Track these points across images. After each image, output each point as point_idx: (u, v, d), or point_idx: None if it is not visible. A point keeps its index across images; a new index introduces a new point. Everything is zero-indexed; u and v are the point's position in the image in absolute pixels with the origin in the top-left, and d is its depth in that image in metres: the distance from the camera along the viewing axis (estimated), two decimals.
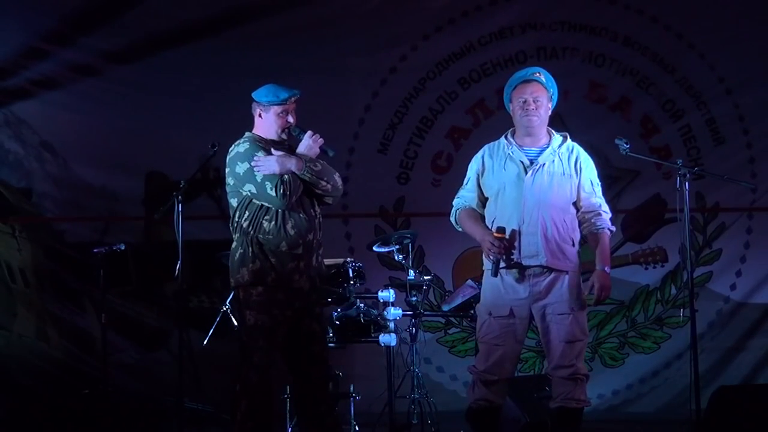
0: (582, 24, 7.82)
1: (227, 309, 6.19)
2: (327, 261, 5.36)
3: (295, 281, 4.93)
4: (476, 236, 4.98)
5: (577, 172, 4.98)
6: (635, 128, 7.75)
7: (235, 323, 6.05)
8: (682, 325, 7.48)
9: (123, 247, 6.46)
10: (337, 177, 5.07)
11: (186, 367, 5.61)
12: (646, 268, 7.78)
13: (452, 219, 5.16)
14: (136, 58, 7.71)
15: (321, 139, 5.00)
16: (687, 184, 5.17)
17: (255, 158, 4.91)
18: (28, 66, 7.64)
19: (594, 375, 7.56)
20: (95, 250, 6.46)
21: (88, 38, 7.66)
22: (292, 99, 5.05)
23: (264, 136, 5.07)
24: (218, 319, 6.24)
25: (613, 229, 5.08)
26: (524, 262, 4.86)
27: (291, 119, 5.04)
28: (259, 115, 5.10)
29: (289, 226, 4.93)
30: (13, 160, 7.75)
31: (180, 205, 5.18)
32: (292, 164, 4.91)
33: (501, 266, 4.87)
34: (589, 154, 5.15)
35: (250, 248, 4.93)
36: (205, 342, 6.29)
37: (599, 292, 4.95)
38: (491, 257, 4.87)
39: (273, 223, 4.93)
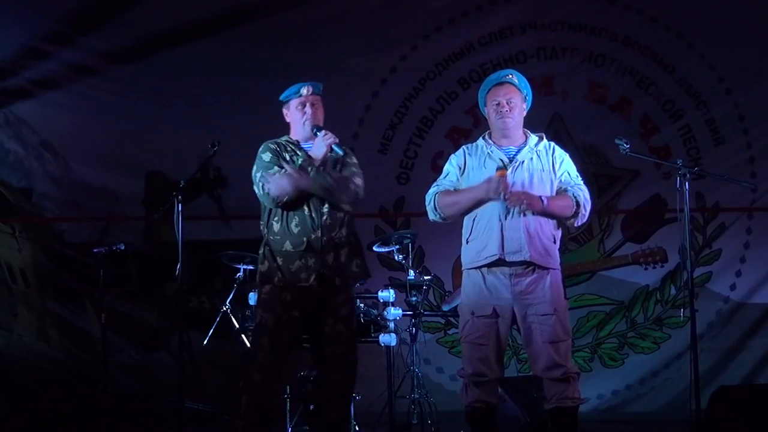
0: (582, 24, 7.82)
1: (227, 309, 6.20)
2: None
3: (302, 280, 4.93)
4: (473, 192, 4.91)
5: (555, 168, 4.99)
6: (635, 128, 7.75)
7: (236, 324, 6.08)
8: (681, 326, 7.48)
9: (123, 247, 6.46)
10: (336, 181, 5.03)
11: (186, 367, 5.62)
12: (646, 269, 7.78)
13: (430, 206, 5.06)
14: (136, 58, 7.71)
15: (331, 138, 5.00)
16: (687, 184, 5.17)
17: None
18: (28, 66, 7.64)
19: (594, 375, 7.60)
20: (95, 250, 6.46)
21: (88, 38, 7.66)
22: (305, 90, 5.08)
23: (293, 137, 5.13)
24: (218, 319, 6.24)
25: (581, 201, 4.95)
26: (507, 258, 4.85)
27: (309, 110, 5.06)
28: (286, 116, 5.16)
29: (293, 225, 4.96)
30: (13, 160, 7.75)
31: (180, 205, 5.18)
32: (284, 182, 4.93)
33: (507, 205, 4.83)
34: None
35: (263, 249, 5.03)
36: (205, 342, 6.30)
37: (516, 193, 4.79)
38: (496, 197, 4.82)
39: (279, 223, 4.99)
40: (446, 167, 5.13)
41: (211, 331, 6.27)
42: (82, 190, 7.75)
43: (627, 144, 5.23)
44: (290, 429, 6.00)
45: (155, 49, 7.68)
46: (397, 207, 7.86)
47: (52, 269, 7.68)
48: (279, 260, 4.95)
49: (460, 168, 5.06)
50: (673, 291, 7.76)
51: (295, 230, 4.95)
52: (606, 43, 7.80)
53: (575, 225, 5.06)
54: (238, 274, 6.19)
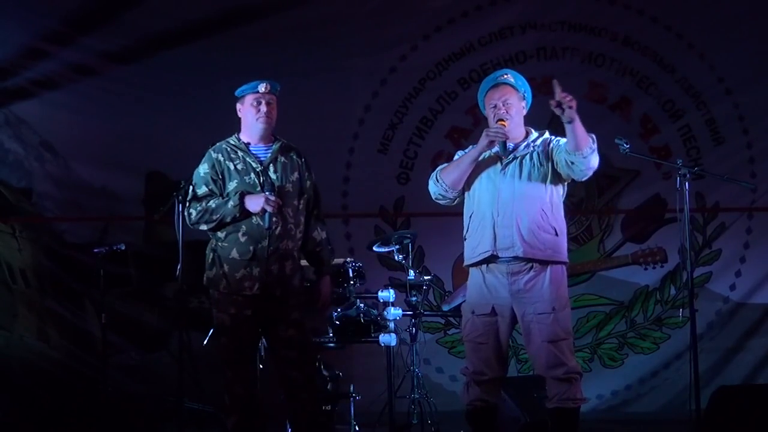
0: (582, 24, 7.82)
1: None
2: None
3: (245, 289, 4.98)
4: (474, 149, 4.89)
5: (549, 151, 4.92)
6: (635, 128, 7.75)
7: None
8: (681, 326, 7.49)
9: (123, 247, 6.46)
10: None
11: (186, 368, 5.61)
12: (646, 269, 7.78)
13: (432, 180, 4.99)
14: (136, 58, 7.71)
15: (272, 207, 4.94)
16: (687, 184, 5.17)
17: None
18: (28, 66, 7.63)
19: (593, 375, 7.60)
20: (95, 250, 6.46)
21: (88, 38, 7.66)
22: (262, 87, 5.07)
23: (243, 138, 5.14)
24: None
25: (594, 145, 4.85)
26: (500, 254, 4.83)
27: (264, 108, 5.06)
28: (239, 112, 5.17)
29: (240, 233, 5.00)
30: (13, 160, 7.75)
31: (180, 205, 5.18)
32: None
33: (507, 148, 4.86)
34: None
35: (210, 255, 5.09)
36: (204, 342, 6.30)
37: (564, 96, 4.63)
38: (498, 142, 4.84)
39: (226, 231, 5.03)
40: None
41: (211, 331, 6.26)
42: (82, 190, 7.74)
43: (627, 144, 5.22)
44: (290, 429, 5.99)
45: (155, 49, 7.68)
46: (397, 207, 7.86)
47: (52, 269, 7.67)
48: (225, 267, 5.01)
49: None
50: (672, 291, 7.77)
51: (243, 239, 4.98)
52: (606, 43, 7.81)
53: (584, 169, 4.85)
54: None
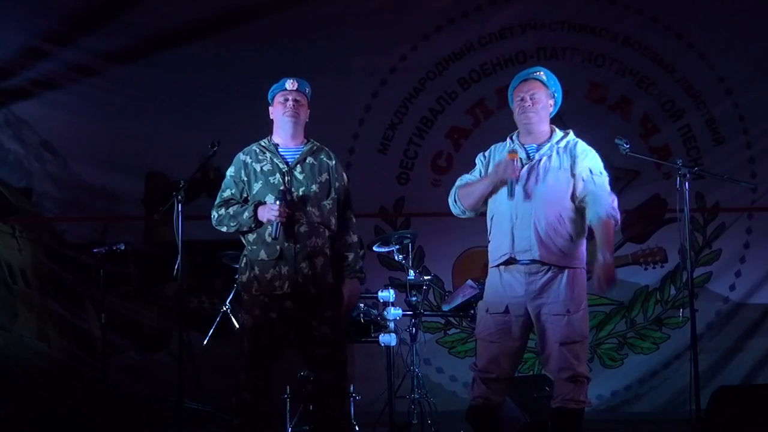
0: (582, 24, 7.83)
1: (227, 309, 6.20)
2: None
3: (276, 288, 4.97)
4: (487, 178, 4.89)
5: (576, 164, 4.87)
6: (635, 128, 7.76)
7: (236, 324, 6.08)
8: (681, 326, 7.49)
9: (123, 247, 6.47)
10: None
11: (186, 368, 5.61)
12: (646, 269, 7.78)
13: (451, 199, 5.01)
14: (136, 58, 7.72)
15: (276, 216, 4.91)
16: (687, 184, 5.16)
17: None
18: (28, 66, 7.65)
19: (593, 376, 7.50)
20: (95, 250, 6.46)
21: (88, 38, 7.67)
22: (289, 84, 5.09)
23: (274, 139, 5.14)
24: (218, 319, 6.26)
25: (616, 215, 4.81)
26: (517, 257, 4.81)
27: (291, 104, 5.06)
28: (271, 114, 5.18)
29: (266, 234, 4.98)
30: (13, 160, 7.75)
31: (180, 205, 5.18)
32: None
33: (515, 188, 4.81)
34: None
35: (242, 260, 5.10)
36: (205, 342, 6.31)
37: (600, 284, 4.71)
38: (509, 179, 4.79)
39: (254, 233, 5.03)
40: (477, 165, 5.09)
41: (211, 331, 6.28)
42: (82, 190, 7.75)
43: (627, 144, 5.21)
44: (290, 429, 6.00)
45: (155, 49, 7.69)
46: (397, 207, 7.86)
47: (52, 269, 7.68)
48: (256, 269, 5.00)
49: (482, 163, 5.04)
50: (672, 291, 7.77)
51: (269, 239, 4.97)
52: (606, 43, 7.81)
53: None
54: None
